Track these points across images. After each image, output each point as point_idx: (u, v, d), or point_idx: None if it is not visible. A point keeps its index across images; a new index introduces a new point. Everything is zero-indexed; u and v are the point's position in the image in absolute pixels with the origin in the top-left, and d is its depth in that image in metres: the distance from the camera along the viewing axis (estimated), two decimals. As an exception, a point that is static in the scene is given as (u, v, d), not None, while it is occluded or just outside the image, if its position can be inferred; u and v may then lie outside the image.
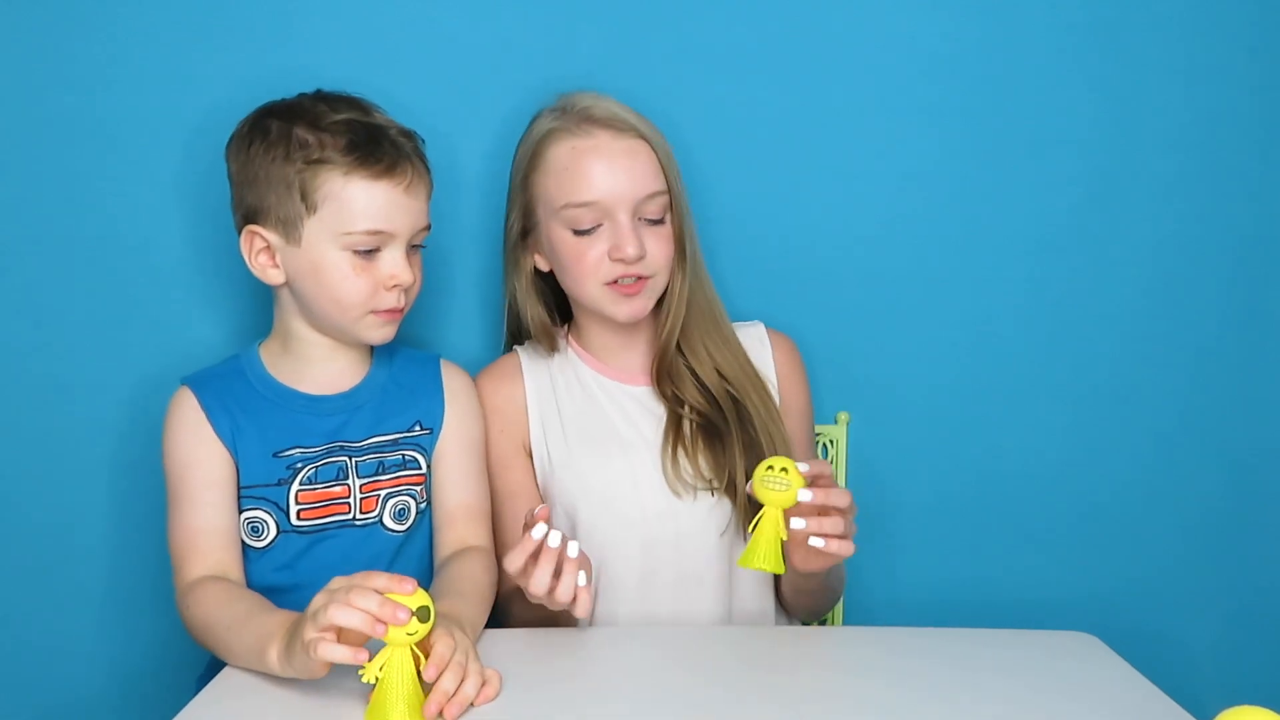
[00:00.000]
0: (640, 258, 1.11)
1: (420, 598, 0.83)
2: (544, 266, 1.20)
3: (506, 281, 1.23)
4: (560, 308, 1.25)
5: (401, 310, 1.09)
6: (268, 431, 1.09)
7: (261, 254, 1.09)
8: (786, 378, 1.25)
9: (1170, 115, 1.37)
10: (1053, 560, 1.44)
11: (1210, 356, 1.42)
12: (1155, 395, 1.42)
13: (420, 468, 1.14)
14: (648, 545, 1.16)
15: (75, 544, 1.34)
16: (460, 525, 1.14)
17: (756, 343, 1.25)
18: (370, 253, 1.06)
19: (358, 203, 1.04)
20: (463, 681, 0.85)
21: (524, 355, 1.24)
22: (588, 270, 1.13)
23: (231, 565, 1.06)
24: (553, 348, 1.22)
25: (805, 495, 0.94)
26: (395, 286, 1.07)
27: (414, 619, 0.82)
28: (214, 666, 1.12)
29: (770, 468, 0.94)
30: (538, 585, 0.92)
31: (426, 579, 1.13)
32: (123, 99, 1.28)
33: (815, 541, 0.94)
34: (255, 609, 0.97)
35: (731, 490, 1.15)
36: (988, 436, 1.41)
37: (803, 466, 0.95)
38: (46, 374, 1.31)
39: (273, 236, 1.08)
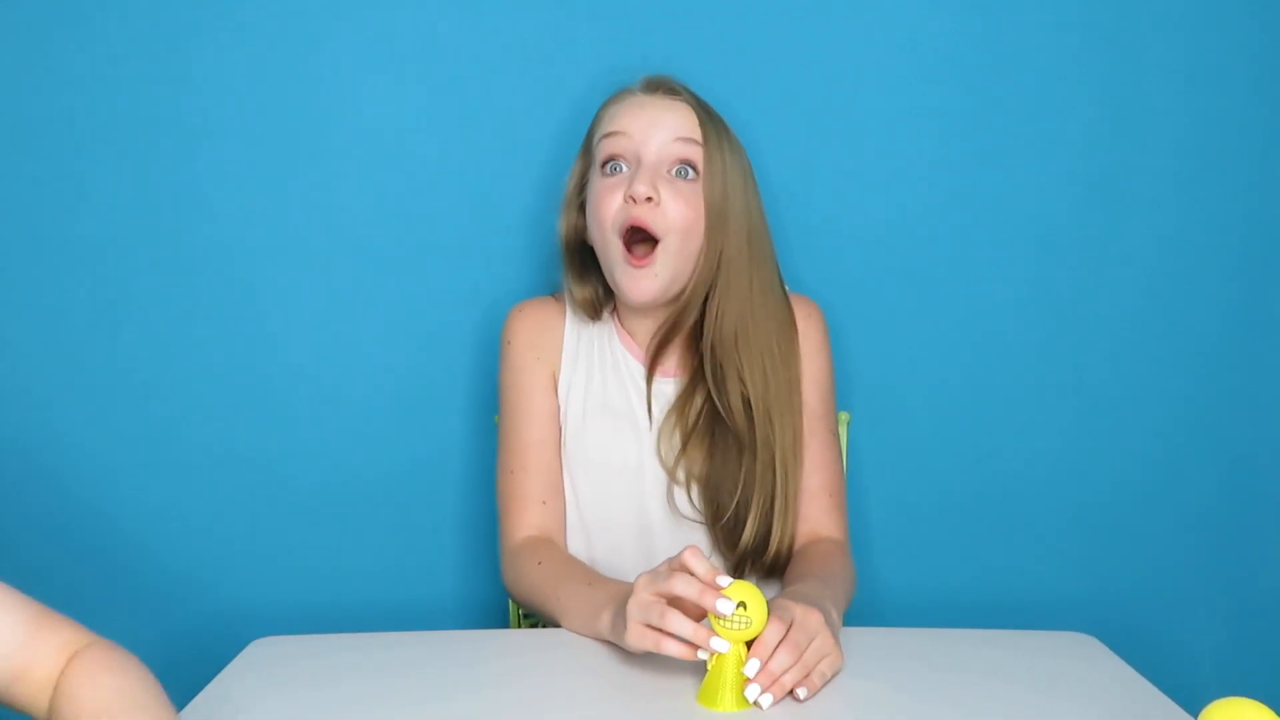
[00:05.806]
0: (649, 199, 1.06)
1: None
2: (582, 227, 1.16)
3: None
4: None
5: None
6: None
7: None
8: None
9: (1170, 115, 1.38)
10: (1052, 560, 1.44)
11: (1210, 356, 1.42)
12: (1155, 395, 1.42)
13: None
14: (644, 529, 1.15)
15: (71, 544, 1.34)
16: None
17: None
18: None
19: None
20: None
21: (570, 303, 1.19)
22: (607, 215, 1.08)
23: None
24: (594, 316, 1.18)
25: (752, 668, 0.85)
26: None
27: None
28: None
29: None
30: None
31: None
32: (122, 99, 1.28)
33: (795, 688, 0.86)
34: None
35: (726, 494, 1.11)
36: (987, 436, 1.42)
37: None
38: (45, 374, 1.31)
39: None
